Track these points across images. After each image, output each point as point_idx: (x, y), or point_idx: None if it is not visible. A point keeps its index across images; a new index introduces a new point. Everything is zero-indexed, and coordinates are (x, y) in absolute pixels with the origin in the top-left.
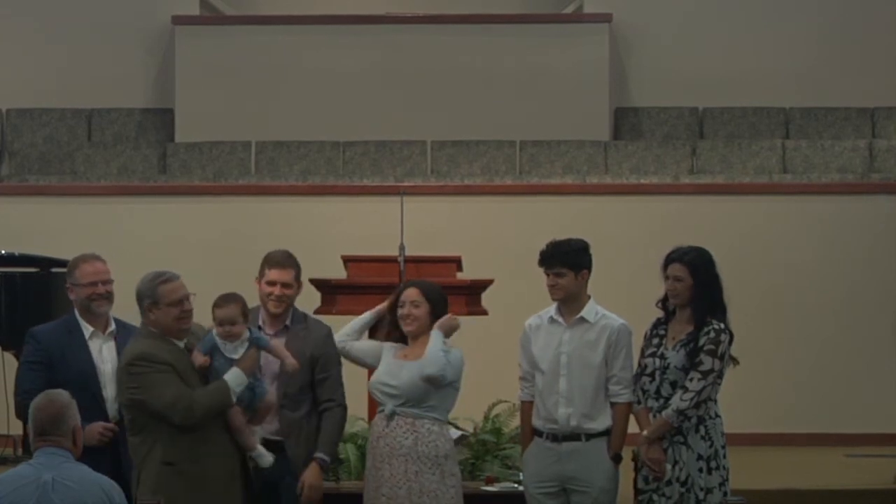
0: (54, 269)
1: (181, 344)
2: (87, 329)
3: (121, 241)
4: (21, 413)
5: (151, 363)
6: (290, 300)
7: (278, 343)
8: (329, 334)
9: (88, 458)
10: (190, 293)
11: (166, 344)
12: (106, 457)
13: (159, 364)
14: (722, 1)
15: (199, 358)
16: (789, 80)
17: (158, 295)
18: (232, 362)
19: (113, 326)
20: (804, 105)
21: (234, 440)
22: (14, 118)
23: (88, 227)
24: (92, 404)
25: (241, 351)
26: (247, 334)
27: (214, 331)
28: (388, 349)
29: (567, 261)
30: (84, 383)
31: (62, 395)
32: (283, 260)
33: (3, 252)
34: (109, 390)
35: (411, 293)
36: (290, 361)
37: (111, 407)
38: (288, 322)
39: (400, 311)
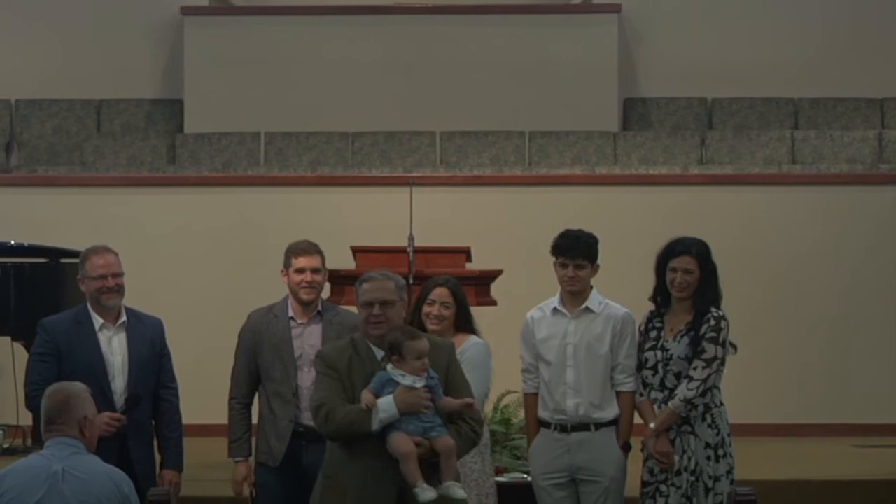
0: (64, 260)
1: (378, 353)
2: (98, 321)
3: (130, 231)
4: (29, 405)
5: (325, 365)
6: (320, 287)
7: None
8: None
9: (98, 448)
10: (383, 299)
11: (359, 347)
12: (113, 447)
13: (330, 368)
14: None
15: (365, 396)
16: (798, 70)
17: (358, 294)
18: None
19: (124, 318)
20: (813, 95)
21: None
22: (23, 109)
23: (97, 217)
24: (100, 396)
25: (419, 384)
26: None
27: (389, 367)
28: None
29: (589, 253)
30: (92, 375)
31: (74, 385)
32: (309, 247)
33: (12, 242)
34: (118, 382)
35: (442, 293)
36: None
37: (119, 399)
38: (319, 309)
39: (428, 310)
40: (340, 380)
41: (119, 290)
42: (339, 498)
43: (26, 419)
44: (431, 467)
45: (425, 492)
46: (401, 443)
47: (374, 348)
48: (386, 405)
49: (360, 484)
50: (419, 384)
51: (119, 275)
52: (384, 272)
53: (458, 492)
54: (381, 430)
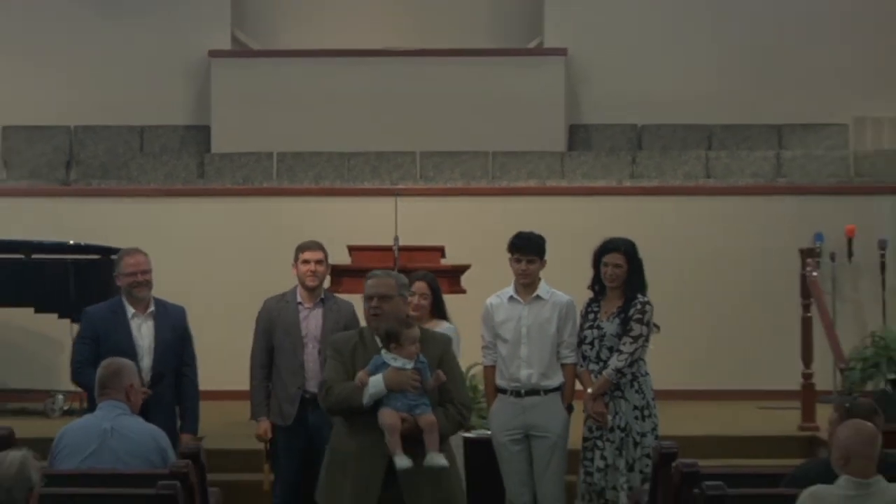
0: (113, 257)
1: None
2: (130, 310)
3: (167, 234)
4: (73, 378)
5: (333, 350)
6: (322, 276)
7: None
8: (353, 310)
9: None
10: (381, 294)
11: (364, 336)
12: (140, 415)
13: (337, 352)
14: (657, 38)
15: (360, 375)
16: (712, 101)
17: (364, 288)
18: None
19: (152, 307)
20: (724, 122)
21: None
22: (80, 133)
23: (140, 222)
24: None
25: (408, 366)
26: (417, 357)
27: (383, 352)
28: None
29: (539, 251)
30: (124, 356)
31: (124, 360)
32: (313, 244)
33: (71, 242)
34: (145, 362)
35: (421, 286)
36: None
37: (146, 375)
38: (322, 297)
39: (409, 300)
40: (344, 363)
41: (147, 284)
42: (341, 469)
43: None
44: (420, 442)
45: (402, 460)
46: (386, 416)
47: (378, 337)
48: (375, 382)
49: (356, 456)
50: (408, 366)
51: (147, 271)
52: (387, 271)
53: (439, 460)
54: (374, 406)
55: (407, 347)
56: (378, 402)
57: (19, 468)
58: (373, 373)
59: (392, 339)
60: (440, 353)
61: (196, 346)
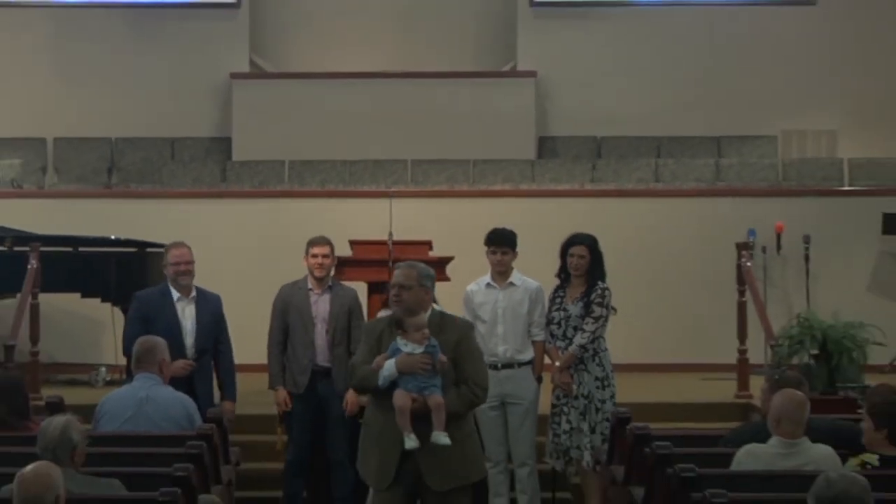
0: (148, 250)
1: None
2: (175, 295)
3: (194, 230)
4: (125, 353)
5: (364, 333)
6: (329, 267)
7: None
8: (356, 295)
9: (173, 383)
10: (402, 283)
11: (391, 323)
12: (183, 384)
13: (367, 336)
14: (614, 63)
15: (376, 359)
16: (661, 117)
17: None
18: None
19: (194, 293)
20: (671, 134)
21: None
22: (120, 144)
23: (171, 220)
24: (176, 348)
25: (418, 351)
26: (427, 342)
27: (397, 338)
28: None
29: (512, 244)
30: (171, 334)
31: (156, 338)
32: (321, 239)
33: (113, 237)
34: (189, 339)
35: None
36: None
37: (189, 351)
38: (330, 284)
39: None
40: (371, 347)
41: (189, 273)
42: (372, 440)
43: (122, 360)
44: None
45: (410, 441)
46: (398, 398)
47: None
48: (388, 366)
49: (381, 429)
50: (418, 350)
51: (190, 262)
52: (413, 263)
53: (442, 439)
54: (393, 385)
55: (412, 333)
56: (396, 383)
57: (62, 431)
58: (390, 357)
59: (398, 327)
60: (458, 337)
61: None
